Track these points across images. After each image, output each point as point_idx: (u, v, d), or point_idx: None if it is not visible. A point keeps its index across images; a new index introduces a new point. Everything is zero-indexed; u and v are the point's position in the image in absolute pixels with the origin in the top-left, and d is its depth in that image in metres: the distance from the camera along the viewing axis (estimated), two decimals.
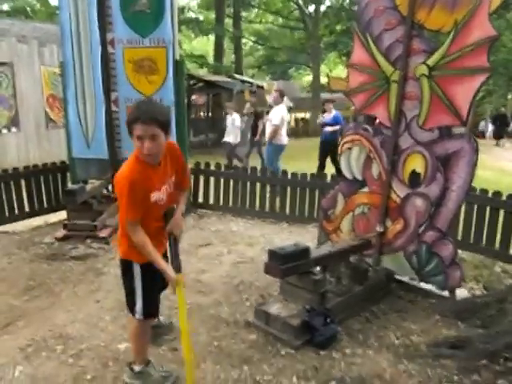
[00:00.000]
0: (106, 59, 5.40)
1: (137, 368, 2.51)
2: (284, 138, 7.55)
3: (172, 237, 2.43)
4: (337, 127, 8.21)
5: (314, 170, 7.68)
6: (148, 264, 2.34)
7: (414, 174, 3.61)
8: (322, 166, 8.52)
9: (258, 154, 9.98)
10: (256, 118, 10.22)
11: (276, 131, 7.34)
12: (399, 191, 3.71)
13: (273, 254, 2.98)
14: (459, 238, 4.65)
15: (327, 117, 8.80)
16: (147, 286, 2.39)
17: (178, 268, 2.36)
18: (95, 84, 5.53)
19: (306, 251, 3.07)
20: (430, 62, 3.43)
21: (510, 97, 29.86)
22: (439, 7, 3.37)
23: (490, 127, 24.18)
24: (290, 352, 2.88)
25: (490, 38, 3.14)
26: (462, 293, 3.71)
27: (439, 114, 3.44)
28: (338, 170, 7.55)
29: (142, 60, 5.45)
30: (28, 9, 23.92)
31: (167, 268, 2.32)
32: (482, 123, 23.87)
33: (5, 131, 9.39)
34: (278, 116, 7.35)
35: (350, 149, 4.00)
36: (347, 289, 3.40)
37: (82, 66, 5.53)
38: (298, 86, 33.74)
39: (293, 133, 10.07)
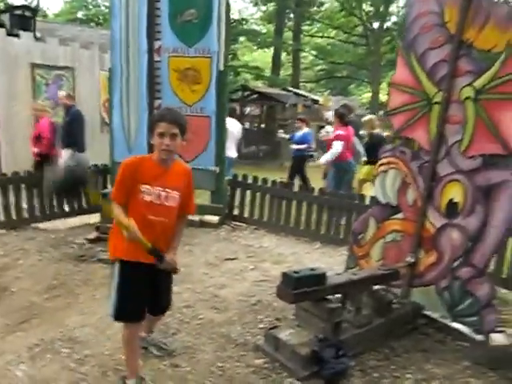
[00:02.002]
0: (152, 67, 5.50)
1: (128, 383, 2.44)
2: (232, 152, 7.50)
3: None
4: (303, 146, 8.72)
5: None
6: (131, 266, 2.31)
7: (452, 204, 3.34)
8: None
9: None
10: None
11: None
12: (434, 220, 3.44)
13: (285, 277, 2.83)
14: (504, 275, 4.27)
15: (297, 134, 9.11)
16: (124, 287, 2.34)
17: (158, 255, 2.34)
18: (140, 91, 5.64)
19: (321, 277, 2.89)
20: (478, 84, 3.17)
21: None
22: (492, 26, 3.12)
23: None
24: (295, 383, 2.70)
25: None
26: (498, 338, 3.33)
27: (484, 141, 3.16)
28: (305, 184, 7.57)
29: (186, 69, 5.51)
30: (100, 17, 25.32)
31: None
32: None
33: None
34: None
35: (385, 172, 3.79)
36: (367, 320, 3.17)
37: (129, 73, 5.66)
38: (358, 102, 33.17)
39: None
